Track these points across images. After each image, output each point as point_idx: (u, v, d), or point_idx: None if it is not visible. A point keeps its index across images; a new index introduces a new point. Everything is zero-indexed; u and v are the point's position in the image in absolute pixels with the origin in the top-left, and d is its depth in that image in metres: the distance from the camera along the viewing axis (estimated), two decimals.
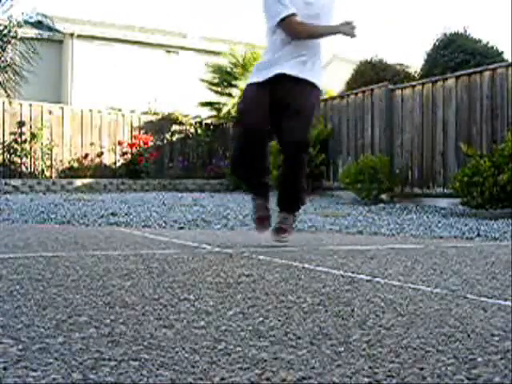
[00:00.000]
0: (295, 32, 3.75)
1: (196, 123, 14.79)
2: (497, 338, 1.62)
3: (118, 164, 13.69)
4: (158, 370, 1.32)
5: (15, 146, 12.69)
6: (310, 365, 1.37)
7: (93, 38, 19.71)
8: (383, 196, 9.36)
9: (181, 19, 42.13)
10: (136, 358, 1.39)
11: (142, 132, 14.04)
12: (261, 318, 1.82)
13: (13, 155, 12.68)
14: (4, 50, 10.64)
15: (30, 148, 12.75)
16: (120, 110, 14.54)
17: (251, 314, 1.87)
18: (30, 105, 12.90)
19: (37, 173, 12.81)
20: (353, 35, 3.73)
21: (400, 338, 1.61)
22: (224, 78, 16.11)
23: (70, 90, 19.41)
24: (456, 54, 11.92)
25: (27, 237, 4.24)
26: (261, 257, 3.28)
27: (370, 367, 1.36)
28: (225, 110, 15.79)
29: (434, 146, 8.99)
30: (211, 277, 2.57)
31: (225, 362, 1.38)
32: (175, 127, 14.55)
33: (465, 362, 1.40)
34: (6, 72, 10.56)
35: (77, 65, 19.45)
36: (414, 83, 9.70)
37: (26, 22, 11.32)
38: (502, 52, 12.53)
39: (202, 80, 16.32)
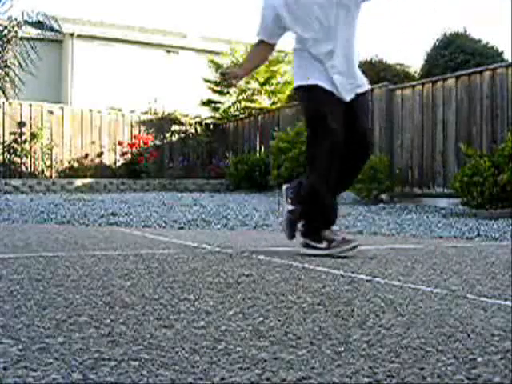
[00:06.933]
0: None
1: (196, 123, 14.77)
2: (497, 338, 1.62)
3: (118, 164, 13.68)
4: (158, 370, 1.32)
5: (15, 146, 12.69)
6: (309, 365, 1.37)
7: (93, 38, 19.72)
8: (383, 196, 9.35)
9: (181, 19, 42.14)
10: (136, 358, 1.39)
11: (142, 132, 14.03)
12: (261, 318, 1.81)
13: (13, 155, 12.68)
14: (4, 50, 10.63)
15: (30, 148, 12.74)
16: (120, 110, 14.54)
17: (251, 314, 1.87)
18: (30, 105, 12.90)
19: (37, 173, 12.81)
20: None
21: (400, 338, 1.61)
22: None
23: (70, 90, 19.42)
24: (456, 54, 11.93)
25: (27, 237, 4.25)
26: (261, 257, 3.28)
27: (370, 367, 1.36)
28: (225, 109, 15.81)
29: (434, 146, 8.98)
30: (211, 277, 2.57)
31: (225, 362, 1.38)
32: (175, 127, 14.54)
33: (465, 362, 1.40)
34: (6, 72, 10.55)
35: (77, 65, 19.46)
36: (414, 83, 9.70)
37: (26, 22, 11.31)
38: (502, 52, 12.54)
39: (206, 80, 16.31)
